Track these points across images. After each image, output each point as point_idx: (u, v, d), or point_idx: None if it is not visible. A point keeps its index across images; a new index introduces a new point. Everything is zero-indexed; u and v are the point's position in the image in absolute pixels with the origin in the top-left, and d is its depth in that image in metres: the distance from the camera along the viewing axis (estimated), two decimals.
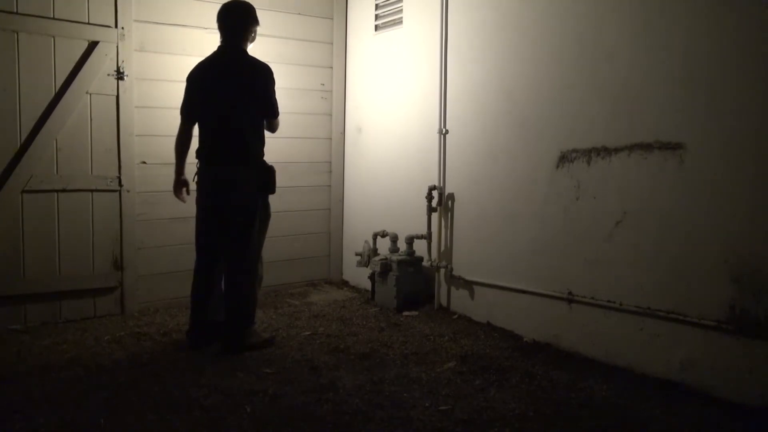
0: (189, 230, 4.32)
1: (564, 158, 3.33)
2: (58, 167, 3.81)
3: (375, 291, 4.35)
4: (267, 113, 3.39)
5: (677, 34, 2.81)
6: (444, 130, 4.08)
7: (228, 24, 3.35)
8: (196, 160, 3.43)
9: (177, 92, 4.20)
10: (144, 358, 3.22)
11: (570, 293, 3.31)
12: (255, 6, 3.56)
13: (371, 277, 4.40)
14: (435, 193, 4.08)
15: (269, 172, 3.39)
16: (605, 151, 3.12)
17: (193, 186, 3.49)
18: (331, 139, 4.96)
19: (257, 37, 3.51)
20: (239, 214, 3.29)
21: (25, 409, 2.60)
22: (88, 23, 3.85)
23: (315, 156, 4.90)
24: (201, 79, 3.37)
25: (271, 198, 3.57)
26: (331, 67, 4.94)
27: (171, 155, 4.06)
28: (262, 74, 3.33)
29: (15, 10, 3.64)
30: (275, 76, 3.42)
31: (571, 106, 3.28)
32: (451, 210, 4.08)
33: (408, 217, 4.38)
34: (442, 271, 4.12)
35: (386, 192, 4.62)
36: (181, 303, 4.22)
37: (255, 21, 3.42)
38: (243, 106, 3.29)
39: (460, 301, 4.04)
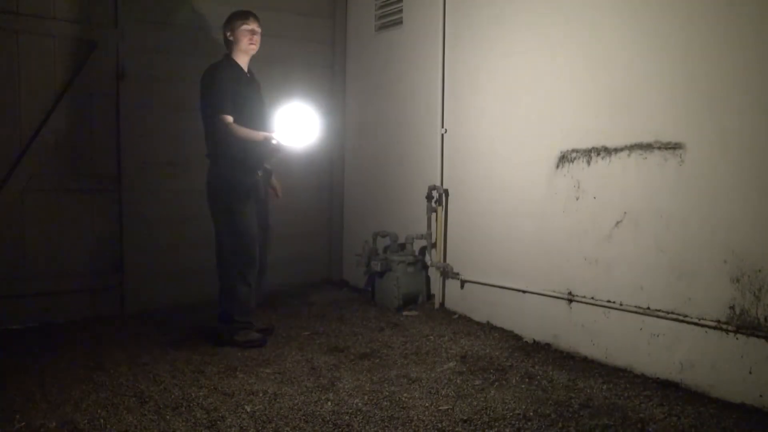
0: (189, 230, 4.34)
1: (564, 158, 3.32)
2: (58, 167, 3.81)
3: (375, 291, 4.35)
4: (210, 114, 3.36)
5: (677, 33, 2.81)
6: (444, 129, 4.08)
7: None
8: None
9: (177, 92, 4.22)
10: (144, 358, 3.22)
11: (570, 293, 3.31)
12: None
13: (371, 277, 4.40)
14: (435, 193, 4.08)
15: (218, 179, 3.40)
16: (605, 151, 3.12)
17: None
18: (331, 139, 4.96)
19: (255, 36, 3.44)
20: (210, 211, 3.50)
21: (25, 409, 2.60)
22: (88, 23, 3.85)
23: (315, 155, 4.90)
24: None
25: (272, 197, 3.59)
26: (332, 67, 4.94)
27: (170, 155, 4.07)
28: (204, 76, 3.40)
29: (15, 10, 3.64)
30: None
31: (571, 106, 3.28)
32: (451, 210, 4.08)
33: (408, 217, 4.38)
34: (442, 270, 4.12)
35: (386, 192, 4.62)
36: (180, 303, 4.23)
37: (227, 26, 3.45)
38: (201, 112, 3.45)
39: (460, 301, 4.04)
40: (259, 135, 3.35)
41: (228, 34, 3.42)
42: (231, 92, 3.32)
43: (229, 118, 3.30)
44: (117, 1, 3.90)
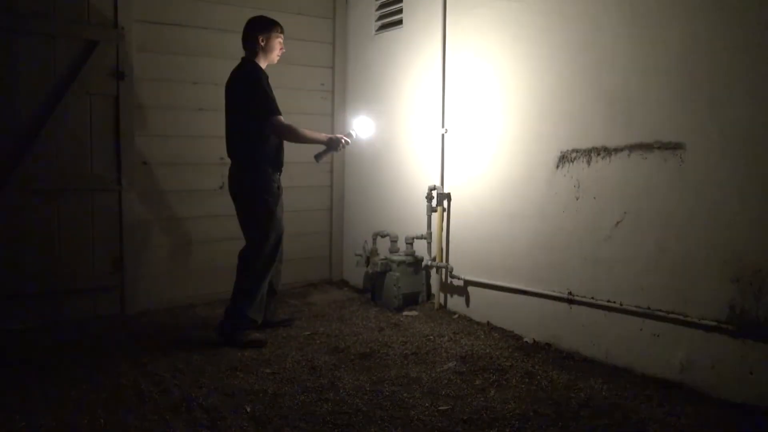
0: (189, 230, 4.34)
1: (564, 158, 3.32)
2: (58, 167, 3.81)
3: (375, 291, 4.35)
4: (254, 117, 3.38)
5: (677, 34, 2.81)
6: (444, 129, 4.08)
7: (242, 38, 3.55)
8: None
9: (177, 92, 4.22)
10: (144, 359, 3.22)
11: (570, 293, 3.31)
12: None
13: (371, 277, 4.40)
14: (435, 193, 4.08)
15: (254, 180, 3.43)
16: (605, 151, 3.12)
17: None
18: None
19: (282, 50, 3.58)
20: (238, 212, 3.55)
21: (25, 409, 2.60)
22: (88, 23, 3.84)
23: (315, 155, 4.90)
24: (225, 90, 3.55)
25: None
26: (332, 67, 4.94)
27: (170, 156, 4.06)
28: (240, 80, 3.43)
29: (15, 10, 3.64)
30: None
31: (571, 106, 3.28)
32: (451, 210, 4.08)
33: (408, 217, 4.38)
34: (442, 271, 4.12)
35: (386, 192, 4.62)
36: (180, 303, 4.23)
37: (258, 31, 3.47)
38: (231, 115, 3.48)
39: (460, 301, 4.04)
40: (322, 135, 3.59)
41: (261, 39, 3.45)
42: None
43: (282, 119, 3.40)
44: (117, 1, 3.90)
